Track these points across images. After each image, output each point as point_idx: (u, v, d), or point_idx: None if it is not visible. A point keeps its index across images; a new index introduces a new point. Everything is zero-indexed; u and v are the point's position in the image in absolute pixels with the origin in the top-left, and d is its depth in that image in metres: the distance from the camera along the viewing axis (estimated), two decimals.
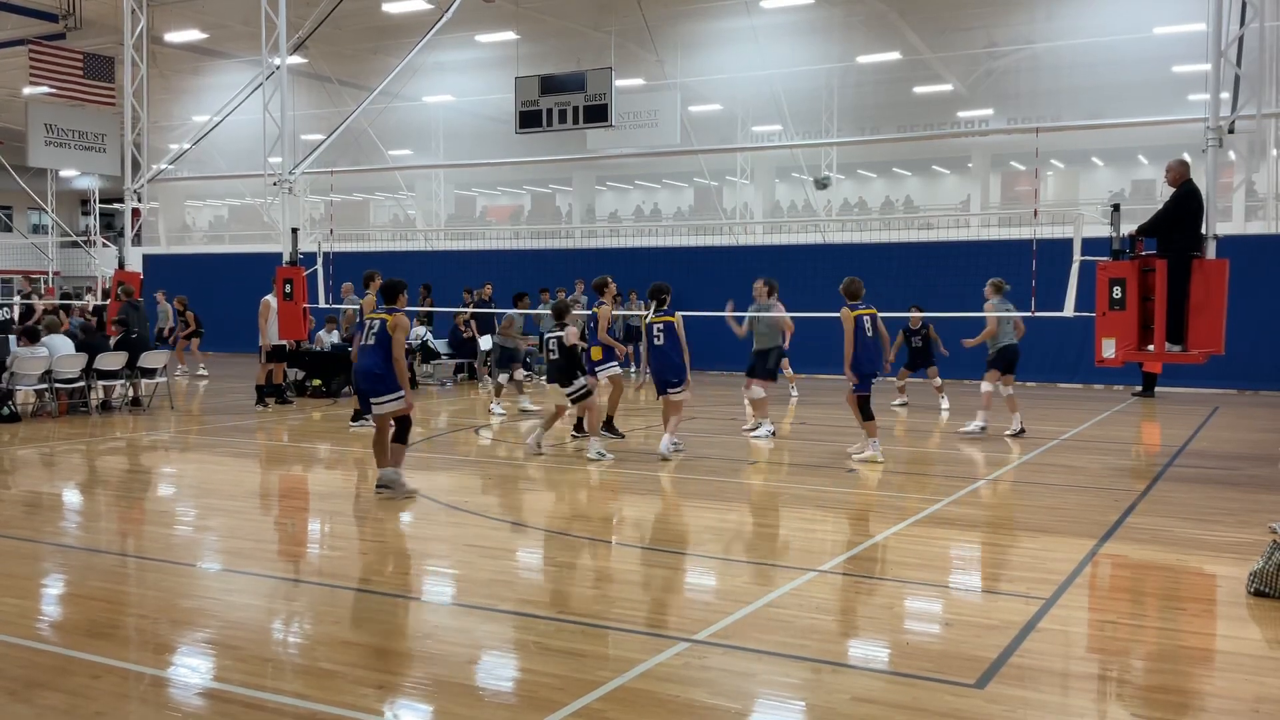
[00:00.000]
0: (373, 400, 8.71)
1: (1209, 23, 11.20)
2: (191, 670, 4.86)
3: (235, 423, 13.95)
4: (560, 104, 16.00)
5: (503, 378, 15.21)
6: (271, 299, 15.44)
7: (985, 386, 12.64)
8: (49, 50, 22.02)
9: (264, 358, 15.59)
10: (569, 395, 11.02)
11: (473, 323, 19.93)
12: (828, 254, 22.08)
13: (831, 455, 11.27)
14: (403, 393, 8.65)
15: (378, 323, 8.69)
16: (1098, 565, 6.72)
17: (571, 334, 10.92)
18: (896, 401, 15.79)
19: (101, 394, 14.71)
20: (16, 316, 22.75)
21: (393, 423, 8.77)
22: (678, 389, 10.81)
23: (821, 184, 17.35)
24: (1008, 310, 12.47)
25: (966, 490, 9.26)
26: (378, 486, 8.81)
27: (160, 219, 32.72)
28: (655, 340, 10.77)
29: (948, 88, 27.64)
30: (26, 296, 28.04)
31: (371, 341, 8.68)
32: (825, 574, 6.45)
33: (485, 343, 19.56)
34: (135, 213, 20.38)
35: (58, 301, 26.24)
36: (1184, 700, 4.55)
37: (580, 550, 7.27)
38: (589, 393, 10.97)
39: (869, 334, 10.68)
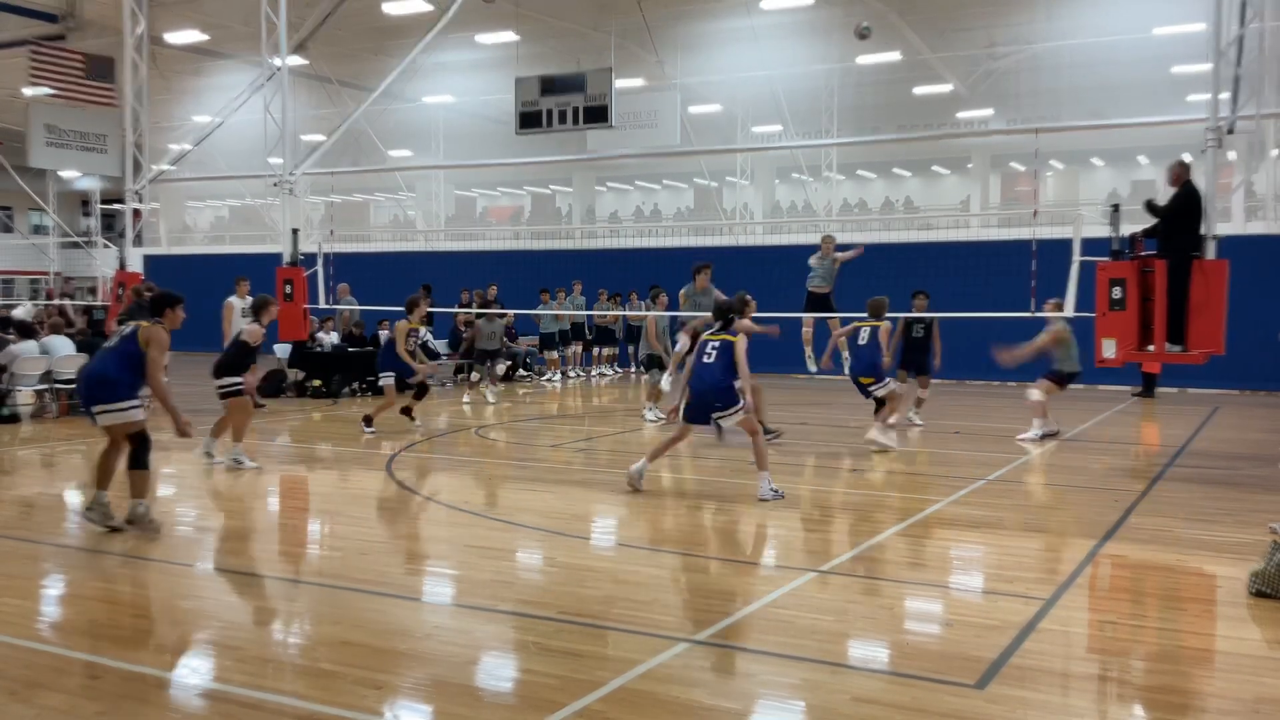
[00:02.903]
0: (95, 409, 7.27)
1: (1209, 23, 11.20)
2: (191, 670, 4.86)
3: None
4: (560, 105, 16.00)
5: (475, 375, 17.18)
6: (235, 300, 15.24)
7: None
8: (49, 51, 22.00)
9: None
10: (219, 389, 10.24)
11: (477, 323, 19.95)
12: None
13: (830, 456, 11.27)
14: (136, 403, 7.28)
15: (129, 328, 7.38)
16: (1098, 565, 6.72)
17: (254, 332, 10.23)
18: (913, 413, 13.91)
19: None
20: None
21: (127, 442, 7.35)
22: (728, 412, 8.83)
23: (862, 34, 15.72)
24: None
25: (966, 490, 9.26)
26: (88, 509, 7.47)
27: (161, 220, 32.74)
28: (705, 358, 8.87)
29: (948, 88, 27.65)
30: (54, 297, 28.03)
31: (114, 343, 7.40)
32: (825, 574, 6.45)
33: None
34: (136, 214, 20.39)
35: (55, 302, 26.21)
36: (1184, 701, 4.55)
37: (580, 550, 7.28)
38: (237, 393, 10.16)
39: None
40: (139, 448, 7.37)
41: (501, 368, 17.62)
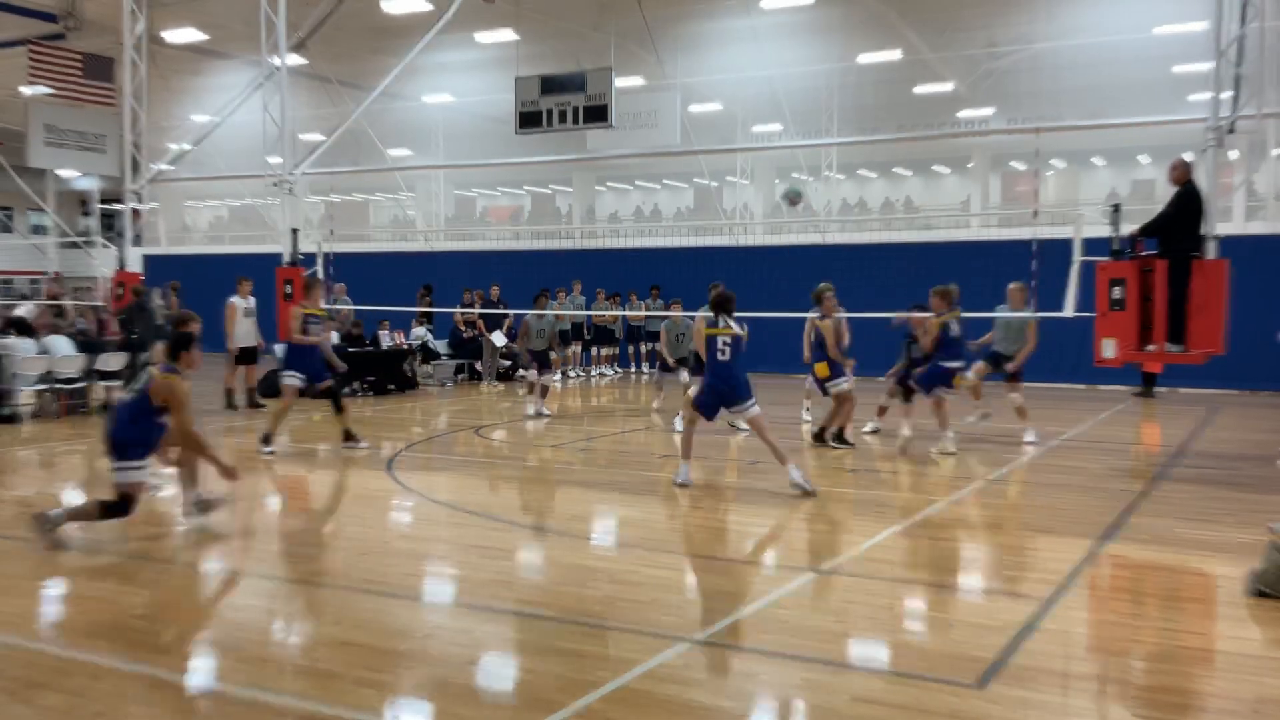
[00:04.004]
0: (112, 466, 7.10)
1: (1209, 23, 11.21)
2: (191, 670, 4.86)
3: (233, 423, 13.95)
4: (560, 104, 15.99)
5: (533, 375, 14.93)
6: (237, 300, 15.24)
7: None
8: (49, 50, 22.01)
9: (232, 361, 15.32)
10: None
11: (479, 322, 19.96)
12: (828, 254, 22.09)
13: (830, 455, 11.27)
14: (142, 465, 7.04)
15: (143, 378, 7.15)
16: (1098, 565, 6.72)
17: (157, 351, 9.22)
18: (868, 428, 12.80)
19: (103, 394, 14.71)
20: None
21: (117, 494, 7.02)
22: (742, 406, 9.14)
23: (792, 198, 14.87)
24: None
25: (966, 490, 9.26)
26: (191, 509, 7.55)
27: (160, 219, 32.73)
28: (719, 355, 9.10)
29: (948, 88, 27.62)
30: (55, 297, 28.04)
31: (128, 398, 7.25)
32: (825, 574, 6.45)
33: (497, 339, 19.60)
34: (135, 213, 20.39)
35: (57, 302, 26.23)
36: (1184, 701, 4.55)
37: (580, 550, 7.28)
38: None
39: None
40: (117, 506, 7.01)
41: (549, 376, 15.22)
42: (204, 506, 7.65)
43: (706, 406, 9.21)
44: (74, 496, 9.35)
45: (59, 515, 7.03)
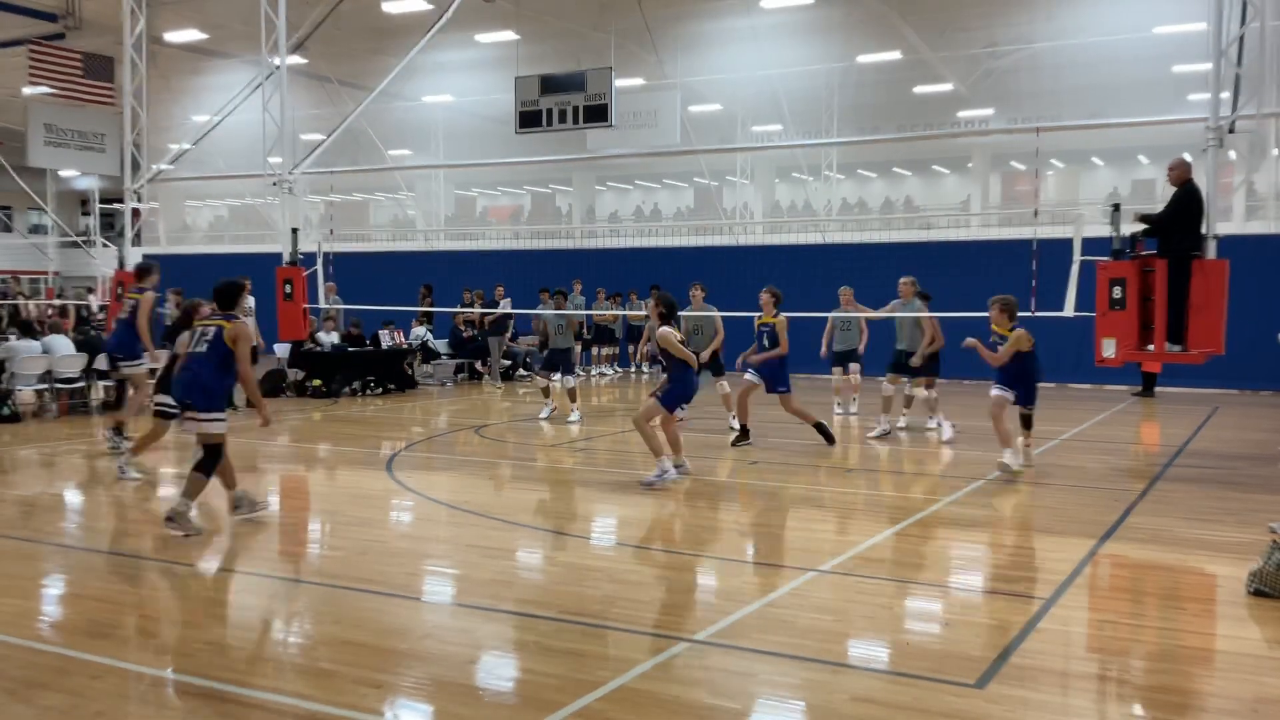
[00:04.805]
0: (191, 416, 7.60)
1: (1209, 23, 11.21)
2: (191, 670, 4.85)
3: (233, 423, 13.93)
4: (560, 104, 15.98)
5: (558, 382, 14.18)
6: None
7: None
8: (49, 50, 22.00)
9: None
10: (156, 405, 9.68)
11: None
12: (828, 254, 22.09)
13: (830, 455, 11.27)
14: (224, 415, 7.63)
15: (212, 330, 7.66)
16: (1098, 565, 6.72)
17: (185, 344, 9.09)
18: (874, 433, 12.60)
19: (102, 394, 14.71)
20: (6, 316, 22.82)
21: (200, 449, 7.54)
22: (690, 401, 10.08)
23: None
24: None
25: (966, 490, 9.26)
26: (235, 509, 7.92)
27: (160, 219, 32.71)
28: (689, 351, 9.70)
29: (948, 88, 27.61)
30: (11, 296, 28.05)
31: (203, 350, 7.64)
32: (825, 574, 6.45)
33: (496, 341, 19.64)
34: (135, 213, 20.38)
35: (56, 302, 26.24)
36: (1184, 700, 4.55)
37: (580, 550, 7.28)
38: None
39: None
40: (209, 456, 7.55)
41: (571, 380, 14.28)
42: (246, 505, 7.91)
43: (676, 403, 9.60)
44: (74, 495, 9.36)
45: (182, 506, 7.35)
